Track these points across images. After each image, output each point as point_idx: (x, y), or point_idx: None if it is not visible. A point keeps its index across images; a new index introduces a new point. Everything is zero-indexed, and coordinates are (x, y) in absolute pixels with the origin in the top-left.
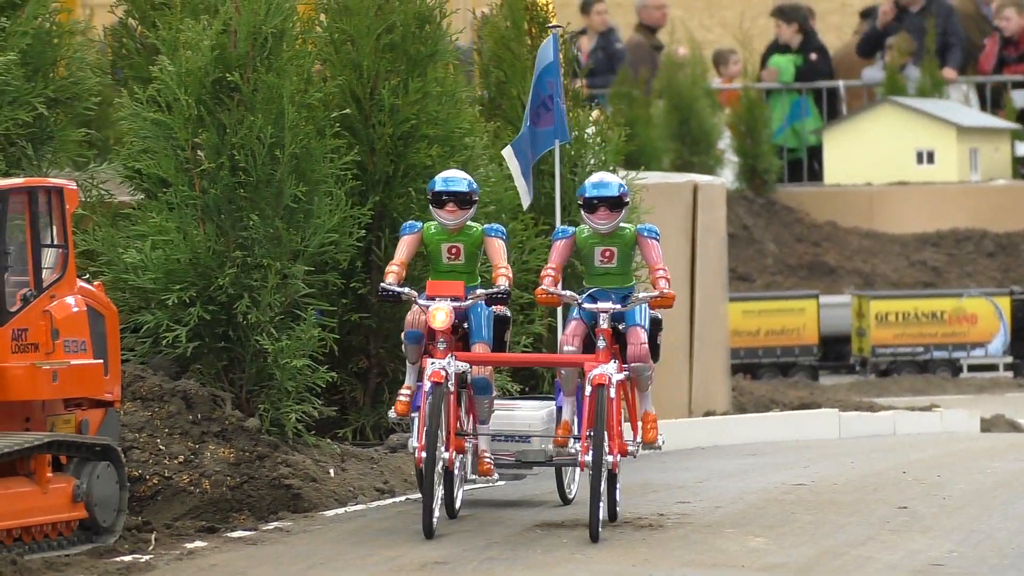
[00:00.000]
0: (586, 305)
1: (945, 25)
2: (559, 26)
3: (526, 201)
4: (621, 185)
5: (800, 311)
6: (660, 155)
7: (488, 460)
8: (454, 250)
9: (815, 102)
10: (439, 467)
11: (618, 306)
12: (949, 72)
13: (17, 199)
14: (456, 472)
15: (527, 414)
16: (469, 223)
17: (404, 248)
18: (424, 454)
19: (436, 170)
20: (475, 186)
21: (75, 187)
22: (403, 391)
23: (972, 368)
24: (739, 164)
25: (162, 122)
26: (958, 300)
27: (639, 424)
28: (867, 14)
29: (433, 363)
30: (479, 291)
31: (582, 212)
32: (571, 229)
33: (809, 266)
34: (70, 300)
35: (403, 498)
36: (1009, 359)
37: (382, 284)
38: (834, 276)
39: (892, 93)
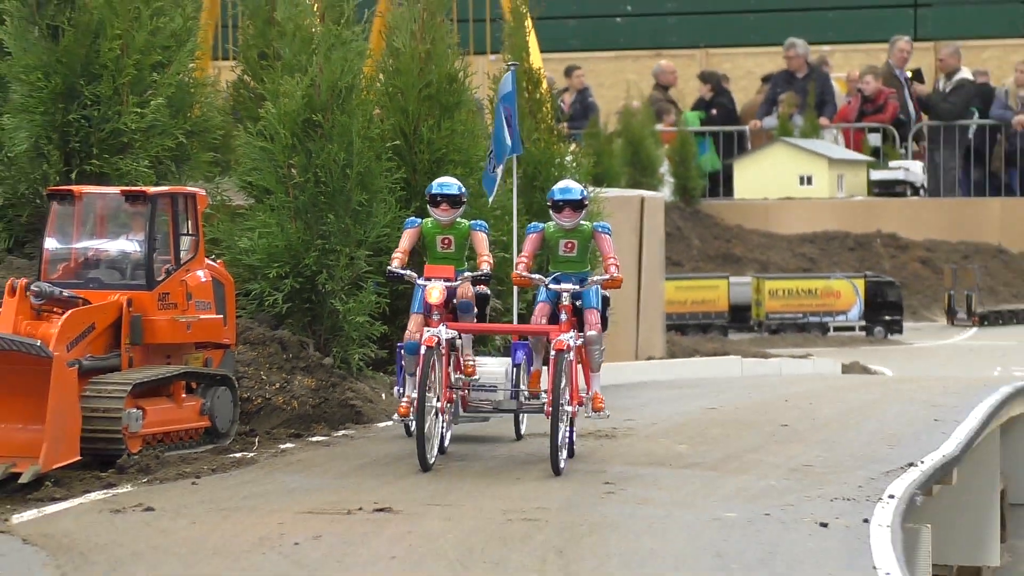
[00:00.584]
0: (551, 286)
1: (823, 87)
2: (515, 64)
3: (491, 198)
4: (582, 191)
5: (715, 287)
6: (618, 177)
7: (471, 362)
8: (446, 241)
9: (727, 142)
10: (431, 415)
11: (577, 287)
12: (824, 120)
13: (164, 201)
14: (447, 416)
15: (493, 369)
16: (459, 219)
17: (407, 239)
18: (414, 405)
19: None
20: (464, 190)
21: (204, 193)
22: (403, 400)
23: (836, 329)
24: (674, 184)
25: (267, 148)
26: (827, 281)
27: (586, 397)
28: (766, 79)
29: (428, 330)
30: (466, 273)
31: (550, 211)
32: (541, 225)
33: (722, 256)
34: (200, 273)
35: None
36: (863, 323)
37: (388, 267)
38: (740, 263)
39: (783, 135)
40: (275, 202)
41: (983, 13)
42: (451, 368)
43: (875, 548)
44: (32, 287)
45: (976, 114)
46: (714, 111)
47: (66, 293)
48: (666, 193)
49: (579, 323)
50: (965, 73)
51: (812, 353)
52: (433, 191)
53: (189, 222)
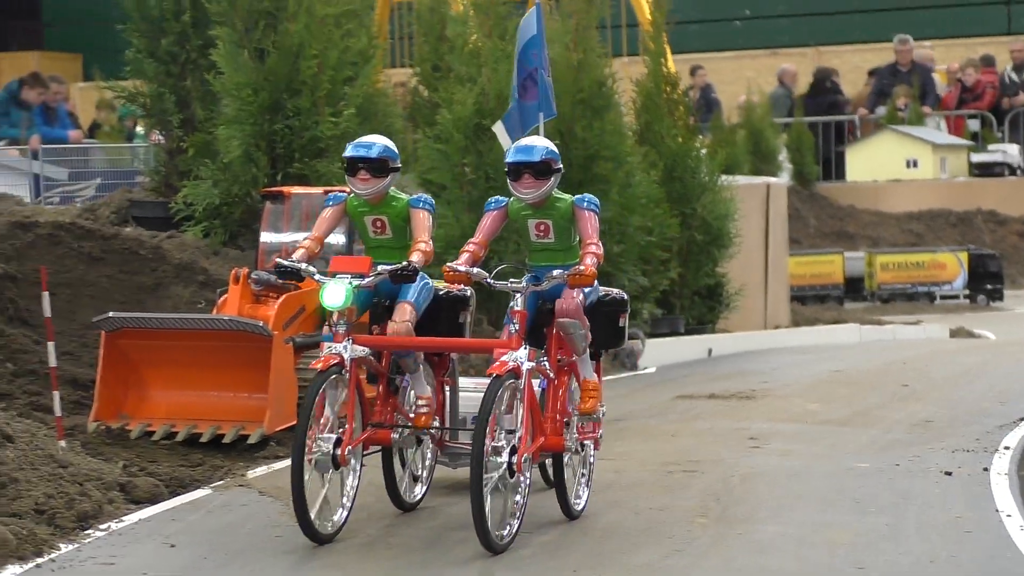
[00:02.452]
0: (493, 282)
1: (925, 79)
2: None
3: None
4: (548, 150)
5: (831, 262)
6: (741, 165)
7: (424, 409)
8: (378, 224)
9: (838, 131)
10: (314, 464)
11: (530, 286)
12: (926, 109)
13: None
14: (355, 469)
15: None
16: (394, 194)
17: (322, 223)
18: (293, 451)
19: (612, 181)
20: (390, 151)
21: None
22: (419, 403)
23: (942, 298)
24: (792, 169)
25: (443, 150)
26: (933, 254)
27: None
28: (873, 72)
29: (329, 347)
30: (381, 267)
31: (509, 183)
32: (505, 200)
33: (836, 234)
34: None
35: None
36: (967, 292)
37: (276, 259)
38: (853, 240)
39: (890, 123)
40: (450, 196)
41: None
42: (399, 398)
43: (996, 493)
44: (252, 275)
45: None
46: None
47: (280, 280)
48: (785, 178)
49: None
50: None
51: (922, 320)
52: (348, 154)
53: None
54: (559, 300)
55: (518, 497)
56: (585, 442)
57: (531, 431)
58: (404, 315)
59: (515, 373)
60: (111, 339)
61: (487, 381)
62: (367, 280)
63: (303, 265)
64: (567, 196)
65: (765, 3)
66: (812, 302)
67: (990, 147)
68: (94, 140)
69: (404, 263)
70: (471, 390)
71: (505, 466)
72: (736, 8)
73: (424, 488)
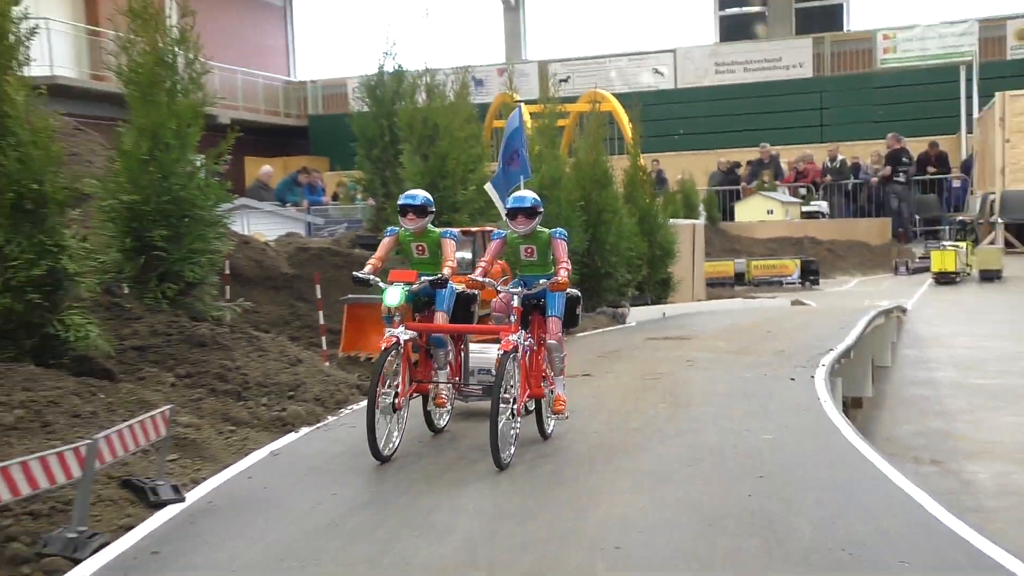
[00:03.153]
0: (500, 289)
1: (776, 168)
2: (521, 101)
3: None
4: (534, 199)
5: (727, 265)
6: (679, 214)
7: (444, 395)
8: (420, 248)
9: (731, 194)
10: (380, 410)
11: (525, 290)
12: (778, 183)
13: (477, 235)
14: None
15: (492, 355)
16: (430, 228)
17: (383, 248)
18: (368, 401)
19: (612, 223)
20: (429, 201)
21: (493, 229)
22: (440, 388)
23: (787, 284)
24: (706, 216)
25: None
26: (782, 260)
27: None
28: (749, 163)
29: (389, 330)
30: (424, 278)
31: (507, 220)
32: (504, 232)
33: (730, 250)
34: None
35: None
36: (799, 281)
37: (354, 272)
38: (739, 253)
39: (759, 190)
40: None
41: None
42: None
43: (817, 389)
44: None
45: (851, 177)
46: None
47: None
48: (703, 220)
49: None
50: (843, 156)
51: (776, 295)
52: (401, 202)
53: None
54: (548, 333)
55: (515, 432)
56: (553, 389)
57: (525, 387)
58: (441, 319)
59: (516, 349)
60: (350, 309)
61: (488, 347)
62: (414, 286)
63: (371, 277)
64: (547, 230)
65: (692, 126)
66: (716, 287)
67: (811, 203)
68: (337, 203)
69: (439, 275)
70: (476, 352)
71: (510, 410)
72: (676, 129)
73: (448, 418)
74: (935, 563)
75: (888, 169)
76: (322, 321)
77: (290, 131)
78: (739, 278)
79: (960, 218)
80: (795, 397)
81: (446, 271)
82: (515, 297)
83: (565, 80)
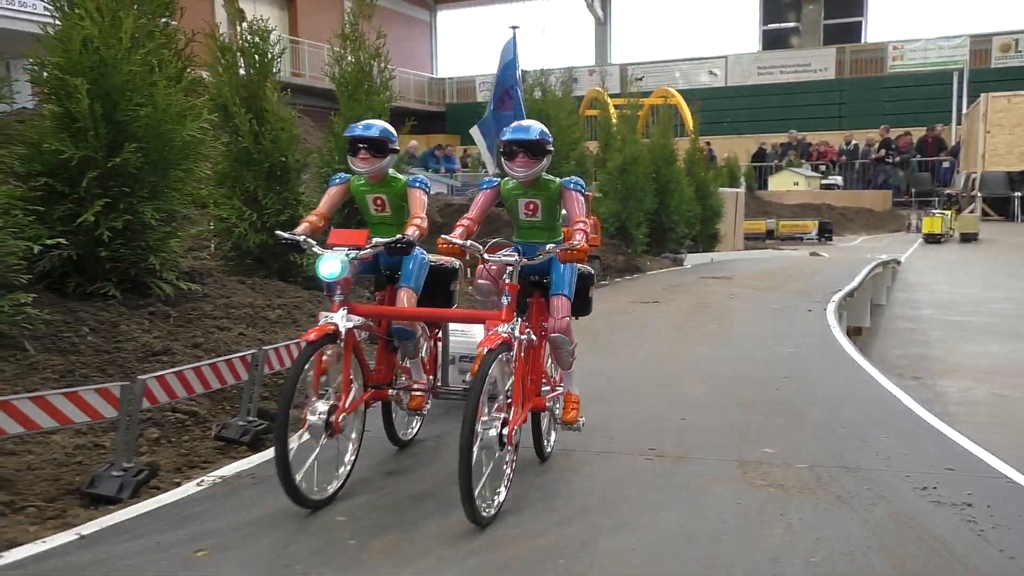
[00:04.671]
0: (488, 257)
1: (802, 149)
2: (516, 26)
3: (491, 168)
4: (542, 131)
5: (761, 224)
6: (725, 184)
7: (419, 393)
8: (378, 201)
9: (766, 169)
10: (309, 430)
11: (524, 259)
12: (803, 161)
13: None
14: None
15: (478, 337)
16: (393, 175)
17: (326, 200)
18: (276, 424)
19: (675, 192)
20: (388, 133)
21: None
22: (415, 387)
23: (806, 240)
24: (745, 185)
25: (611, 179)
26: (804, 220)
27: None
28: (782, 145)
29: (326, 316)
30: (376, 240)
31: (503, 161)
32: (497, 180)
33: (764, 212)
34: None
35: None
36: (817, 237)
37: (278, 233)
38: (770, 214)
39: (788, 167)
40: (610, 195)
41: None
42: (398, 356)
43: (828, 318)
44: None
45: (861, 157)
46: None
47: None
48: (743, 189)
49: (548, 304)
50: (856, 141)
51: (797, 248)
52: (350, 134)
53: (586, 205)
54: (551, 319)
55: (507, 469)
56: (559, 389)
57: (522, 402)
58: (409, 300)
59: (507, 345)
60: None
61: (475, 327)
62: (363, 252)
63: (301, 238)
64: (555, 179)
65: (737, 116)
66: (752, 240)
67: (829, 177)
68: (467, 169)
69: (399, 236)
70: (458, 334)
71: (496, 438)
72: (724, 118)
73: (419, 425)
74: (907, 438)
75: (882, 152)
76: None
77: (432, 115)
78: (769, 234)
79: (947, 192)
80: (811, 324)
81: (411, 231)
82: (509, 270)
83: (640, 79)
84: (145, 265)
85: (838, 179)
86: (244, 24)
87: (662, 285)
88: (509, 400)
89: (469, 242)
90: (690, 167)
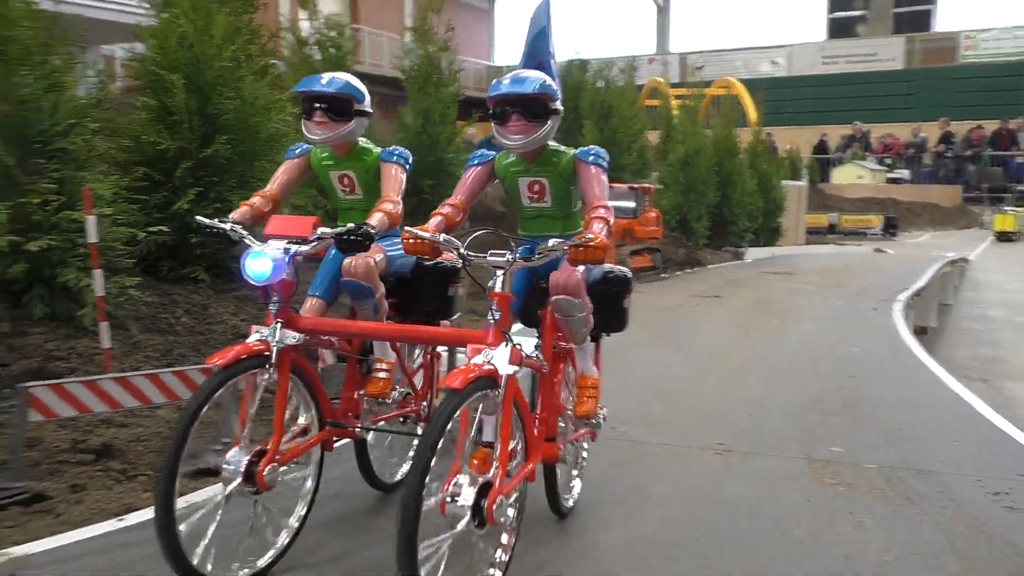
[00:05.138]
0: (467, 254)
1: (865, 141)
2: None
3: None
4: (544, 83)
5: (823, 217)
6: (787, 177)
7: (382, 375)
8: (345, 180)
9: (828, 162)
10: (225, 485)
11: (517, 261)
12: (867, 154)
13: (639, 189)
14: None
15: None
16: (365, 146)
17: (278, 176)
18: (158, 482)
19: (736, 184)
20: (353, 89)
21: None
22: (378, 366)
23: (871, 235)
24: (808, 178)
25: (672, 170)
26: (868, 215)
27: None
28: (845, 137)
29: (257, 331)
30: (323, 230)
31: (494, 127)
32: (491, 153)
33: (826, 206)
34: (651, 214)
35: None
36: (882, 233)
37: (199, 219)
38: (832, 208)
39: (852, 160)
40: (671, 188)
41: None
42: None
43: (894, 316)
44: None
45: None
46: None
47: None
48: (805, 182)
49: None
50: (924, 134)
51: (861, 243)
52: (300, 89)
53: (647, 196)
54: (555, 272)
55: (499, 553)
56: (581, 440)
57: (519, 455)
58: (371, 252)
59: (488, 381)
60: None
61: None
62: (306, 248)
63: (228, 226)
64: (568, 149)
65: (799, 106)
66: (813, 234)
67: (895, 171)
68: None
69: (352, 225)
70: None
71: (468, 516)
72: (786, 108)
73: (406, 466)
74: (978, 442)
75: (942, 146)
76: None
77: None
78: (831, 228)
79: (1020, 188)
80: (876, 322)
81: (375, 219)
82: (498, 275)
83: (700, 68)
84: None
85: (904, 173)
86: (317, 19)
87: (723, 279)
88: (491, 460)
89: (442, 236)
90: (752, 159)
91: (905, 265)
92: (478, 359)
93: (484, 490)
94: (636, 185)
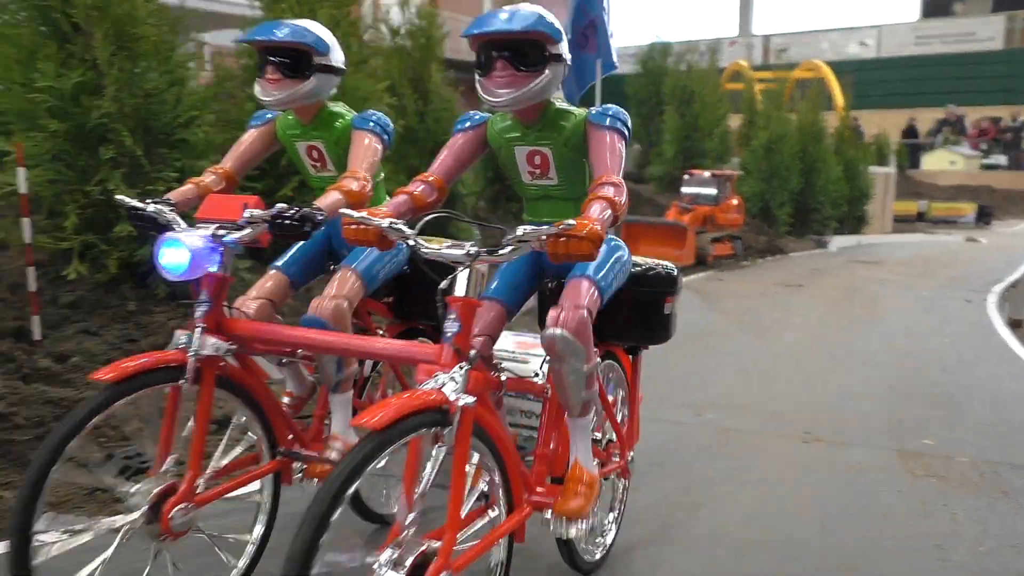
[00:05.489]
0: (419, 245)
1: (959, 125)
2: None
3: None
4: (542, 19)
5: (912, 205)
6: (874, 163)
7: (333, 455)
8: (314, 153)
9: (917, 147)
10: (120, 532)
11: (482, 255)
12: (962, 139)
13: (721, 177)
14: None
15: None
16: (335, 110)
17: (236, 149)
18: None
19: (822, 171)
20: (313, 37)
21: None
22: (331, 444)
23: (962, 224)
24: (896, 164)
25: (755, 154)
26: (960, 203)
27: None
28: (938, 120)
29: (176, 338)
30: (252, 212)
31: (476, 79)
32: (482, 116)
33: (915, 193)
34: (733, 201)
35: None
36: (975, 222)
37: (119, 197)
38: (922, 195)
39: (944, 144)
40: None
41: None
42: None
43: (988, 308)
44: (680, 204)
45: None
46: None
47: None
48: (893, 168)
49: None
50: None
51: (951, 232)
52: (246, 36)
53: (728, 183)
54: (554, 311)
55: None
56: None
57: (500, 505)
58: (342, 287)
59: (435, 416)
60: (626, 226)
61: (529, 345)
62: (240, 235)
63: (151, 207)
64: (580, 110)
65: (888, 89)
66: (901, 223)
67: (991, 157)
68: None
69: (285, 207)
70: (507, 355)
71: None
72: (875, 91)
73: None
74: None
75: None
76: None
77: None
78: (920, 216)
79: None
80: (969, 314)
81: (330, 199)
82: (460, 274)
83: (784, 50)
84: None
85: (1001, 159)
86: (410, 8)
87: (806, 268)
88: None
89: (387, 222)
90: (838, 145)
91: (999, 255)
92: (430, 385)
93: (423, 563)
94: (718, 172)
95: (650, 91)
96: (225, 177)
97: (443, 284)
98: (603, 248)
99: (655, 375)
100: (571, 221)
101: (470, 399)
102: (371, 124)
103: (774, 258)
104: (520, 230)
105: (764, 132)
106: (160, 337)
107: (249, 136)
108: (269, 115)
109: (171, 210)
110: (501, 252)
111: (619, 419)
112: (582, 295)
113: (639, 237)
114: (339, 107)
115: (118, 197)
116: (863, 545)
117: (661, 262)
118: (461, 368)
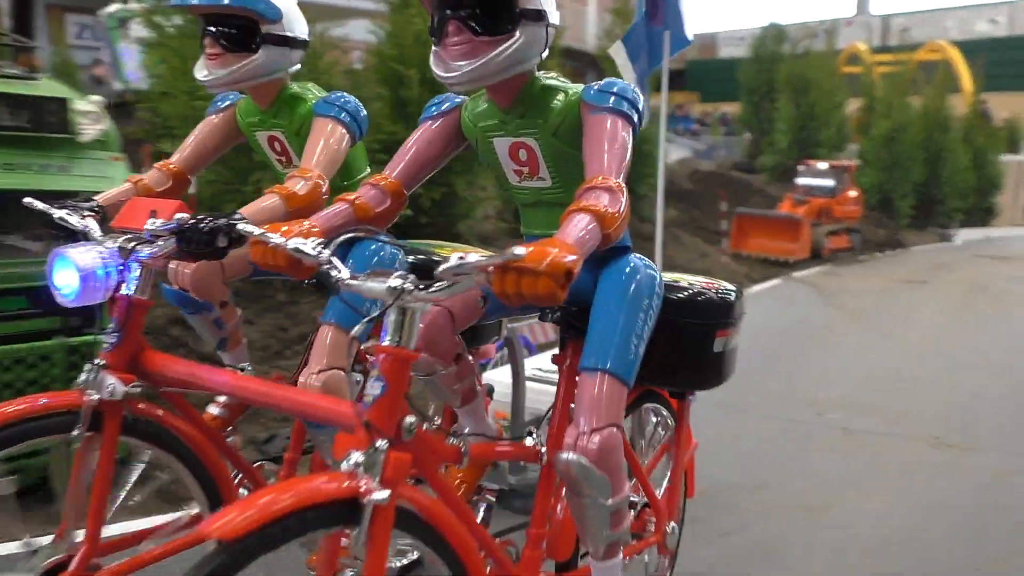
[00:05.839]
0: (334, 268)
1: None
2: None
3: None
4: None
5: None
6: (1005, 151)
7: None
8: (276, 145)
9: None
10: None
11: (416, 287)
12: None
13: (838, 168)
14: None
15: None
16: (296, 91)
17: (191, 138)
18: None
19: (948, 160)
20: (266, 5)
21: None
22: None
23: None
24: None
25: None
26: None
27: None
28: None
29: (83, 378)
30: (156, 221)
31: (433, 45)
32: (458, 99)
33: None
34: (851, 193)
35: None
36: None
37: (27, 200)
38: None
39: None
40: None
41: None
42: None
43: None
44: (794, 196)
45: None
46: None
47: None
48: None
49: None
50: None
51: None
52: (175, 2)
53: (846, 174)
54: (569, 430)
55: None
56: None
57: None
58: (321, 355)
59: (334, 515)
60: (738, 219)
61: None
62: (150, 249)
63: (56, 213)
64: (574, 87)
65: (1021, 69)
66: None
67: None
68: (706, 128)
69: (207, 215)
70: (538, 377)
71: None
72: (1006, 72)
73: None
74: None
75: None
76: (723, 227)
77: (671, 74)
78: None
79: None
80: None
81: (266, 203)
82: (388, 315)
83: (906, 30)
84: (455, 230)
85: None
86: None
87: (929, 263)
88: None
89: (294, 241)
90: (966, 133)
91: None
92: (346, 465)
93: None
94: (835, 163)
95: (762, 79)
96: (172, 175)
97: (355, 330)
98: (616, 283)
99: (771, 372)
100: (519, 250)
101: (383, 494)
102: (335, 110)
103: (893, 252)
104: (454, 259)
105: (885, 121)
106: (308, 326)
107: (204, 125)
108: (230, 99)
109: (92, 214)
110: (433, 290)
111: (662, 471)
112: (601, 405)
113: (751, 230)
114: (304, 88)
115: (26, 200)
116: (1002, 553)
117: (716, 282)
118: (378, 451)
